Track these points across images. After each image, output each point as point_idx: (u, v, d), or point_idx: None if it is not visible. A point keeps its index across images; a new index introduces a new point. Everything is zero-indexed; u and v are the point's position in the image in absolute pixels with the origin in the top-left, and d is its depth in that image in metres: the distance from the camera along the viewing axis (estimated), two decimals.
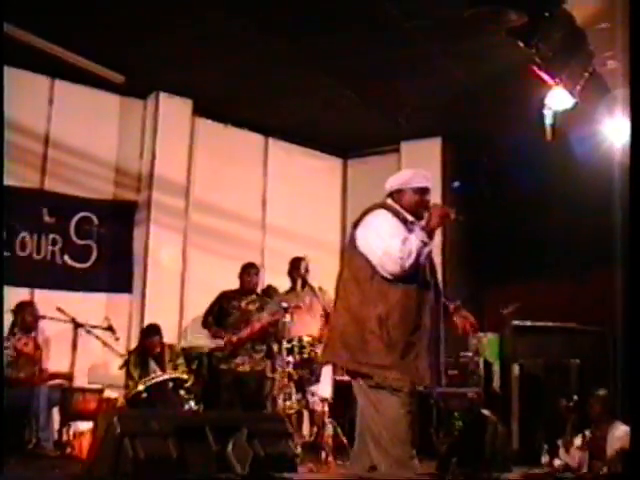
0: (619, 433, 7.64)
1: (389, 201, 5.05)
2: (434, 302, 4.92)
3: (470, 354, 9.61)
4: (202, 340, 9.40)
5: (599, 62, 7.67)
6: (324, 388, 8.19)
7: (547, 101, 7.79)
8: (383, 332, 4.66)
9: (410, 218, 4.93)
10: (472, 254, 11.10)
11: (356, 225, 4.94)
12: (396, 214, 4.92)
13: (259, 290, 9.16)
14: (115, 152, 9.66)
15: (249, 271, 9.04)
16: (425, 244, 4.70)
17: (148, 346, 8.39)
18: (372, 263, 4.75)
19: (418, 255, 4.65)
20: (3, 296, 6.73)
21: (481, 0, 6.00)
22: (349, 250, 4.99)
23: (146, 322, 8.87)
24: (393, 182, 5.09)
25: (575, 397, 8.49)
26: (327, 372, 8.30)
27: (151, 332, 8.45)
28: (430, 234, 4.77)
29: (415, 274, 4.77)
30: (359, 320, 4.74)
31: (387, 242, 4.70)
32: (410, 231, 4.80)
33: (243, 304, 8.88)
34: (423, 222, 4.85)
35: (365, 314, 4.72)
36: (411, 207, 4.97)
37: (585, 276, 9.92)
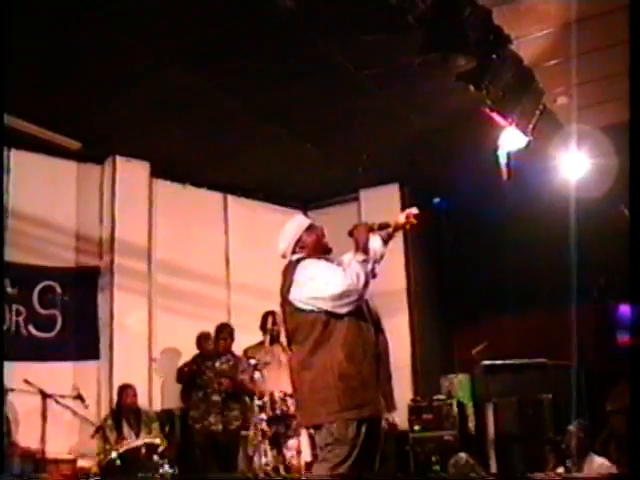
0: (595, 466, 7.66)
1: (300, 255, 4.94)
2: (381, 331, 4.90)
3: (443, 397, 9.63)
4: (173, 402, 9.35)
5: (549, 99, 7.83)
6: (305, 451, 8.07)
7: (500, 142, 7.91)
8: (354, 372, 4.61)
9: (324, 256, 4.88)
10: (438, 296, 11.15)
11: (286, 290, 4.77)
12: (316, 257, 4.86)
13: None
14: (75, 219, 9.58)
15: (223, 333, 9.11)
16: (366, 261, 4.65)
17: (123, 405, 8.42)
18: (324, 310, 4.64)
19: (366, 274, 4.60)
20: None
21: (430, 47, 6.08)
22: (290, 315, 4.81)
23: (115, 387, 8.78)
24: (286, 239, 4.95)
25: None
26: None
27: (125, 390, 8.51)
28: (365, 250, 4.70)
29: (361, 307, 4.72)
30: (326, 370, 4.64)
31: (330, 282, 4.61)
32: (339, 264, 4.78)
33: (217, 364, 8.93)
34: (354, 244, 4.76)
35: (330, 362, 4.63)
36: (317, 247, 4.91)
37: (552, 311, 9.97)
